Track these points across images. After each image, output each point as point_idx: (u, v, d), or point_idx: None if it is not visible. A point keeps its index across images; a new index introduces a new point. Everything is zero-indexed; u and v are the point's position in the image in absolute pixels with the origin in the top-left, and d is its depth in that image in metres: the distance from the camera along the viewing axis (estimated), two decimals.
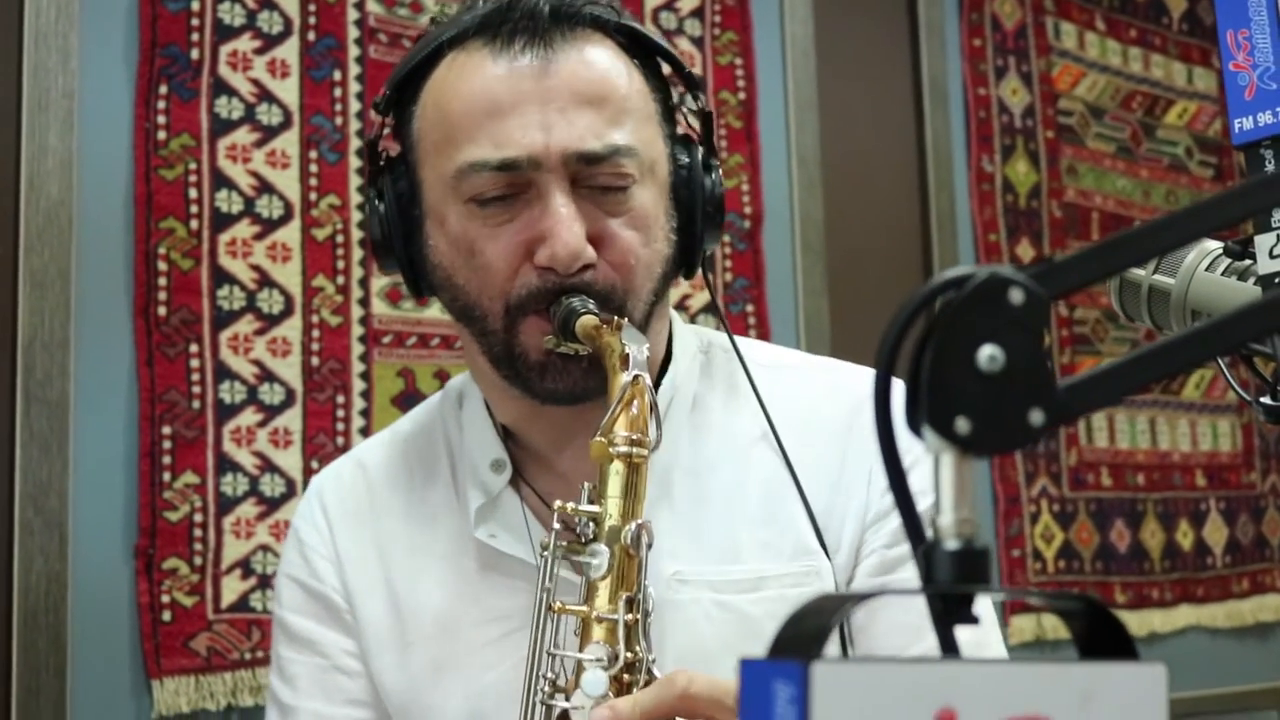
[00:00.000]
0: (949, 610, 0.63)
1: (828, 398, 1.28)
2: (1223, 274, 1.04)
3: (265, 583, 2.11)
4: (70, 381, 2.00)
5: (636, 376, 1.07)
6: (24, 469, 1.95)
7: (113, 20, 2.12)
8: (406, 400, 2.28)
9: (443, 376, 2.32)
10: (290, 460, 2.16)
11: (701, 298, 2.66)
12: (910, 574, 1.20)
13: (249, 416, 2.13)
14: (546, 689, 1.04)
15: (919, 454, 1.32)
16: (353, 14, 2.33)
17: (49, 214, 2.00)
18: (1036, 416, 0.63)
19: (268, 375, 2.16)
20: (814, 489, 1.22)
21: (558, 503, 1.07)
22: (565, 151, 1.14)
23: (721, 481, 1.23)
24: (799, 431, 1.24)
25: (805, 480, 1.22)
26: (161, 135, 2.11)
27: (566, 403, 1.20)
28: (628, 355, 1.07)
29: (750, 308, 2.74)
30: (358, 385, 2.25)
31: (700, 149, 1.25)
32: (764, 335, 2.74)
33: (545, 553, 1.07)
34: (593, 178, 1.16)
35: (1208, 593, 3.55)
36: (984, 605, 1.35)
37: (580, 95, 1.15)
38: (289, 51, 2.25)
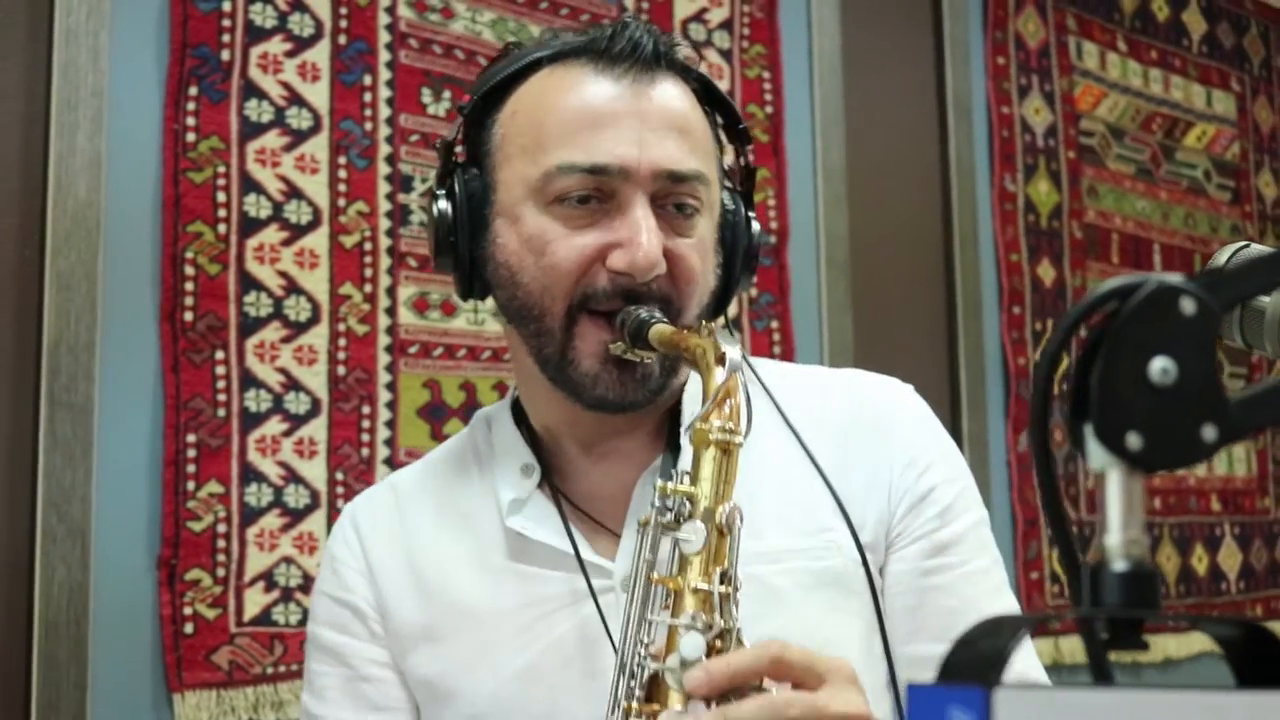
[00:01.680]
0: (1116, 635, 0.59)
1: (833, 398, 1.36)
2: None
3: (288, 596, 2.07)
4: (95, 386, 1.96)
5: (732, 373, 1.12)
6: (47, 474, 1.91)
7: (144, 20, 2.08)
8: (432, 411, 2.25)
9: (469, 388, 2.29)
10: (315, 471, 2.12)
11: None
12: (959, 555, 1.29)
13: (274, 425, 2.10)
14: (642, 652, 1.08)
15: (938, 450, 1.36)
16: (384, 18, 2.30)
17: (76, 215, 1.97)
18: (1209, 432, 0.60)
19: (293, 384, 2.12)
20: (827, 474, 1.29)
21: (658, 480, 1.12)
22: (656, 167, 1.21)
23: (745, 469, 1.26)
24: (810, 427, 1.32)
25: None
26: (190, 137, 2.07)
27: (613, 411, 1.26)
28: (724, 354, 1.12)
29: (775, 323, 2.71)
30: (383, 396, 2.21)
31: (742, 201, 1.35)
32: (788, 350, 2.71)
33: (645, 526, 1.12)
34: (670, 198, 1.23)
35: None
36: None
37: (671, 122, 1.24)
38: (320, 55, 2.22)
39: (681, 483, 1.12)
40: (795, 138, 2.84)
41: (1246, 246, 1.08)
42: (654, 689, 1.07)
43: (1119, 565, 0.59)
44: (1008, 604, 1.32)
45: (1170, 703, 0.55)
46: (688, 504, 1.10)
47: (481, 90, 1.29)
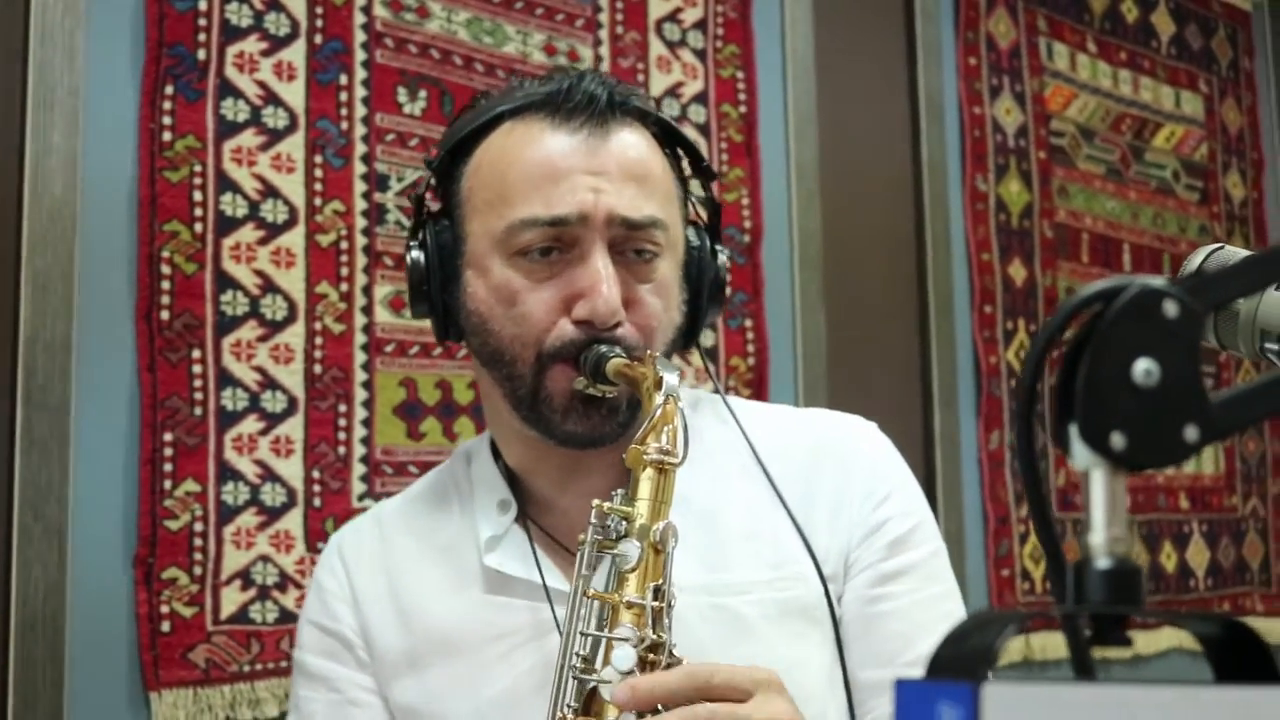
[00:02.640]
0: (1100, 632, 0.61)
1: (798, 435, 1.43)
2: None
3: (264, 594, 2.07)
4: (71, 385, 1.96)
5: (669, 397, 1.20)
6: (23, 474, 1.91)
7: (119, 18, 2.08)
8: (408, 409, 2.25)
9: (444, 386, 2.30)
10: (291, 469, 2.12)
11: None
12: (906, 585, 1.34)
13: (251, 424, 2.10)
14: (579, 664, 1.13)
15: (895, 483, 1.41)
16: (360, 18, 2.30)
17: (52, 214, 1.96)
18: (1191, 433, 0.61)
19: (270, 382, 2.12)
20: (791, 509, 1.35)
21: (595, 501, 1.18)
22: (611, 214, 1.27)
23: (710, 504, 1.35)
24: (776, 462, 1.37)
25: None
26: (166, 136, 2.07)
27: (582, 445, 1.32)
28: (661, 379, 1.21)
29: (749, 322, 2.72)
30: (360, 394, 2.21)
31: (707, 235, 1.42)
32: (761, 349, 2.73)
33: (583, 545, 1.18)
34: (628, 245, 1.29)
35: None
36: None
37: (627, 171, 1.29)
38: (296, 54, 2.22)
39: (619, 503, 1.18)
40: (769, 137, 2.85)
41: (1221, 248, 1.10)
42: (590, 701, 1.12)
43: (1103, 563, 0.60)
44: None
45: (1155, 698, 0.56)
46: (624, 523, 1.16)
47: (448, 145, 1.36)
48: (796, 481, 1.36)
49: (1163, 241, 3.68)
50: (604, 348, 1.25)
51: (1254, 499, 3.83)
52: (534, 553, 1.35)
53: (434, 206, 1.39)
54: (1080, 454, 0.61)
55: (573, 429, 1.30)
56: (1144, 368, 0.60)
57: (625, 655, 1.08)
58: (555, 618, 1.30)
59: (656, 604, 1.12)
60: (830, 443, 1.41)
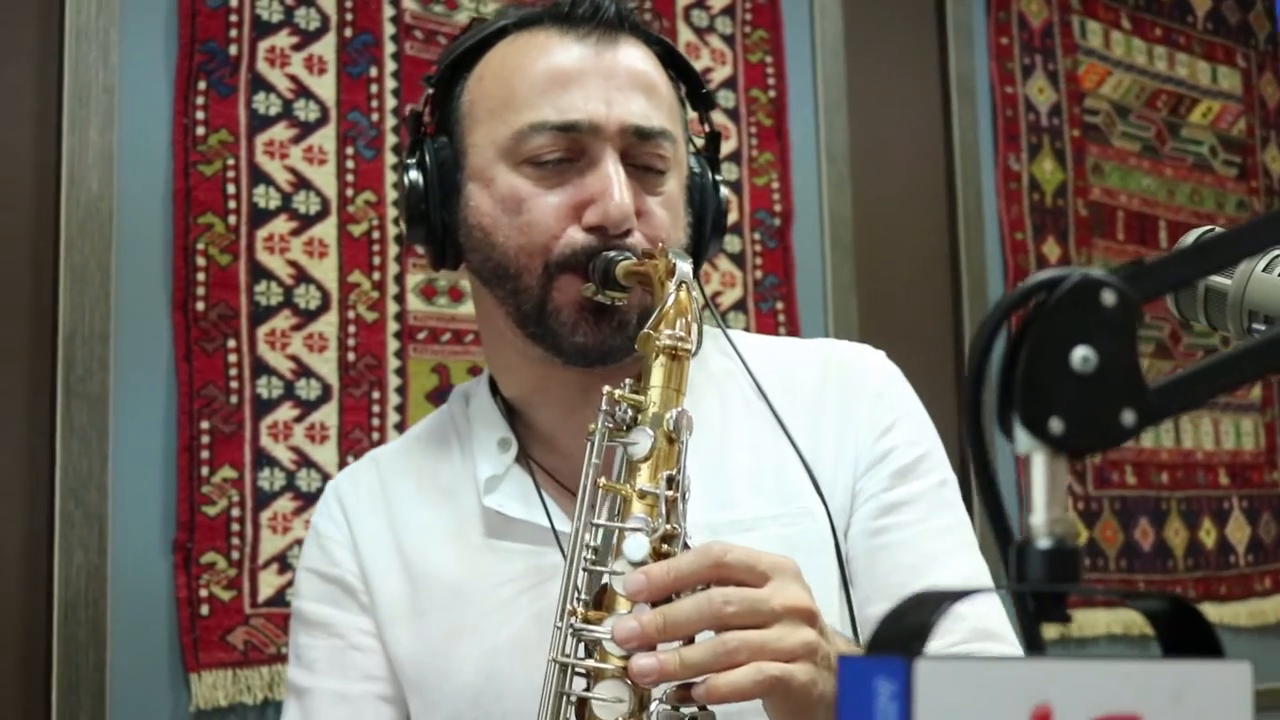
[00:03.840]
0: (1041, 608, 0.63)
1: (804, 365, 1.38)
2: None
3: None
4: (110, 375, 2.01)
5: (683, 283, 1.15)
6: (64, 462, 1.96)
7: (153, 16, 2.13)
8: (441, 396, 2.29)
9: (476, 372, 2.33)
10: (326, 455, 2.17)
11: (730, 295, 2.67)
12: (911, 515, 1.30)
13: (286, 412, 2.14)
14: (590, 556, 1.08)
15: (900, 412, 1.34)
16: (389, 10, 2.34)
17: (89, 209, 2.02)
18: (1129, 417, 0.64)
19: (304, 370, 2.17)
20: (797, 442, 1.30)
21: (605, 387, 1.13)
22: (624, 123, 1.23)
23: (715, 438, 1.29)
24: (781, 394, 1.33)
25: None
26: (200, 131, 2.12)
27: (592, 361, 1.26)
28: (674, 266, 1.15)
29: (780, 305, 2.75)
30: (393, 381, 2.26)
31: (708, 166, 1.37)
32: (793, 332, 2.75)
33: (593, 434, 1.13)
34: (638, 156, 1.25)
35: (1230, 591, 3.55)
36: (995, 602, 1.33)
37: (637, 81, 1.26)
38: (326, 48, 2.26)
39: (630, 390, 1.13)
40: (798, 121, 2.86)
41: (1211, 231, 1.11)
42: (602, 596, 1.07)
43: (1043, 543, 0.63)
44: (967, 561, 1.31)
45: (1092, 672, 0.58)
46: (634, 412, 1.12)
47: (447, 60, 1.31)
48: (801, 413, 1.32)
49: (1200, 218, 3.66)
50: (612, 253, 1.21)
51: None
52: (539, 494, 1.30)
53: (430, 129, 1.34)
54: (1021, 439, 0.63)
55: (582, 340, 1.24)
56: (1082, 355, 0.63)
57: (638, 544, 1.04)
58: (563, 556, 1.21)
59: (670, 493, 1.07)
60: (835, 371, 1.37)
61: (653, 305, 1.17)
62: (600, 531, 1.09)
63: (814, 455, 1.29)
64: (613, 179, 1.22)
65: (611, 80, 1.25)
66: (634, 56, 1.28)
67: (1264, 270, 1.06)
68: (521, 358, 1.31)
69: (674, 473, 1.08)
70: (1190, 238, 1.11)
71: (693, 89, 1.38)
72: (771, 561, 1.02)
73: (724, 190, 1.37)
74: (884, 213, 3.00)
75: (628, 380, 1.15)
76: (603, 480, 1.09)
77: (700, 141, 1.39)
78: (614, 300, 1.22)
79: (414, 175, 1.29)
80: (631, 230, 1.22)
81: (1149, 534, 3.40)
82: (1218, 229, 1.13)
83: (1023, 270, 3.23)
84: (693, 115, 1.39)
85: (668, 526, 1.06)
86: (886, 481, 1.31)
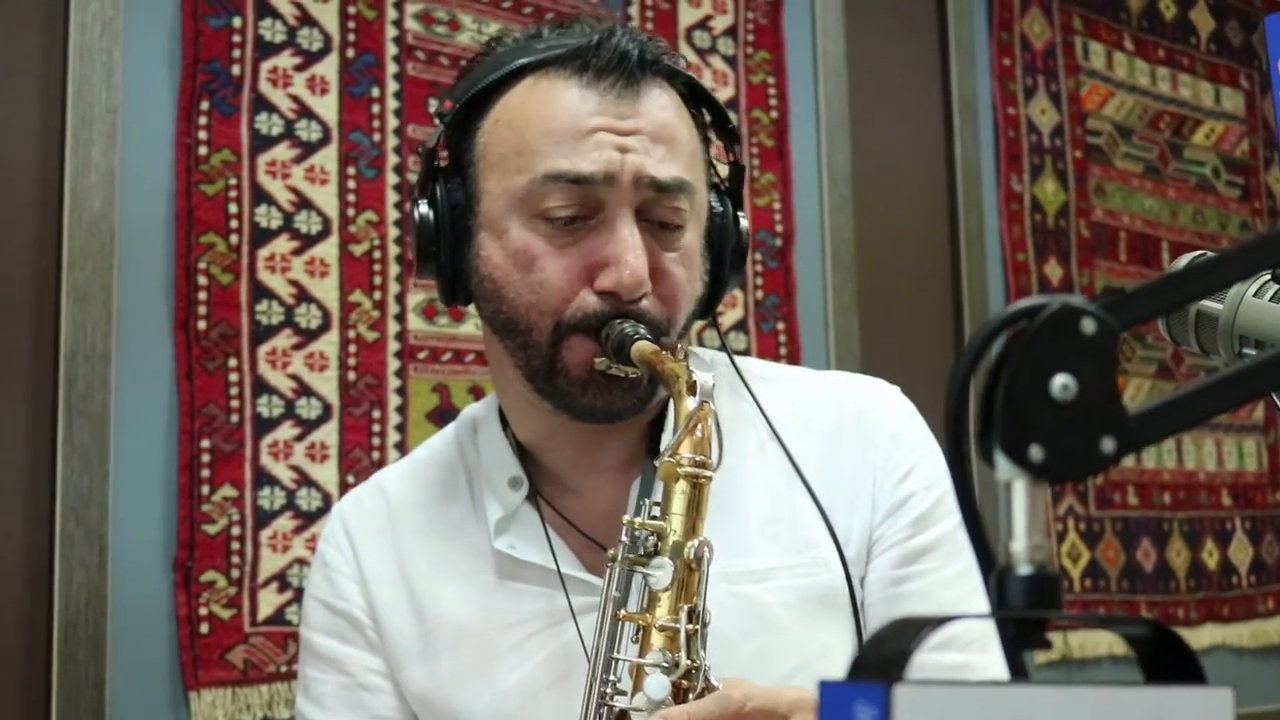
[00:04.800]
0: (1021, 635, 0.64)
1: (819, 404, 1.36)
2: (1271, 299, 1.04)
3: (301, 596, 2.12)
4: (111, 394, 2.02)
5: (703, 403, 1.12)
6: (65, 481, 1.97)
7: (156, 36, 2.14)
8: (442, 415, 2.30)
9: (477, 392, 2.34)
10: (326, 474, 2.18)
11: (731, 315, 2.68)
12: (930, 564, 1.28)
13: (286, 430, 2.15)
14: (609, 691, 1.08)
15: (918, 455, 1.32)
16: (391, 31, 2.35)
17: (91, 228, 2.03)
18: (1108, 444, 0.64)
19: (305, 390, 2.18)
20: (813, 486, 1.28)
21: (625, 517, 1.11)
22: (639, 174, 1.20)
23: (730, 484, 1.26)
24: (796, 435, 1.31)
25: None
26: (203, 150, 2.13)
27: (601, 421, 1.24)
28: (694, 382, 1.12)
29: (781, 325, 2.75)
30: (393, 400, 2.26)
31: (729, 200, 1.33)
32: (794, 352, 2.75)
33: (613, 562, 1.11)
34: (655, 211, 1.22)
35: (1233, 612, 3.55)
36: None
37: (657, 132, 1.22)
38: (328, 68, 2.27)
39: (651, 516, 1.12)
40: (800, 142, 2.87)
41: (1202, 255, 1.12)
42: None
43: (1024, 569, 0.63)
44: (982, 605, 1.30)
45: (1071, 697, 0.59)
46: (655, 539, 1.10)
47: (463, 98, 1.26)
48: (816, 455, 1.30)
49: (1203, 239, 3.67)
50: (628, 327, 1.17)
51: None
52: (548, 537, 1.28)
53: (444, 165, 1.29)
54: (1002, 466, 0.64)
55: (591, 403, 1.22)
56: (1061, 382, 0.63)
57: (659, 684, 1.04)
58: (570, 606, 1.25)
59: (691, 626, 1.07)
60: (851, 412, 1.34)
61: (669, 392, 1.16)
62: (620, 664, 1.09)
63: (829, 499, 1.28)
64: (627, 243, 1.19)
65: (630, 133, 1.21)
66: (655, 105, 1.24)
67: (1254, 295, 1.06)
68: (532, 406, 1.28)
69: (695, 604, 1.08)
70: (1181, 262, 1.12)
71: (718, 123, 1.34)
72: (791, 700, 1.03)
73: (744, 223, 1.34)
74: (885, 233, 3.00)
75: (647, 501, 1.13)
76: (623, 612, 1.10)
77: (724, 170, 1.35)
78: (626, 373, 1.20)
79: (425, 211, 1.25)
80: (645, 295, 1.20)
81: (1151, 555, 3.40)
82: (1209, 254, 1.13)
83: (1024, 291, 3.23)
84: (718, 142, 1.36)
85: (688, 662, 1.06)
86: (907, 530, 1.29)
